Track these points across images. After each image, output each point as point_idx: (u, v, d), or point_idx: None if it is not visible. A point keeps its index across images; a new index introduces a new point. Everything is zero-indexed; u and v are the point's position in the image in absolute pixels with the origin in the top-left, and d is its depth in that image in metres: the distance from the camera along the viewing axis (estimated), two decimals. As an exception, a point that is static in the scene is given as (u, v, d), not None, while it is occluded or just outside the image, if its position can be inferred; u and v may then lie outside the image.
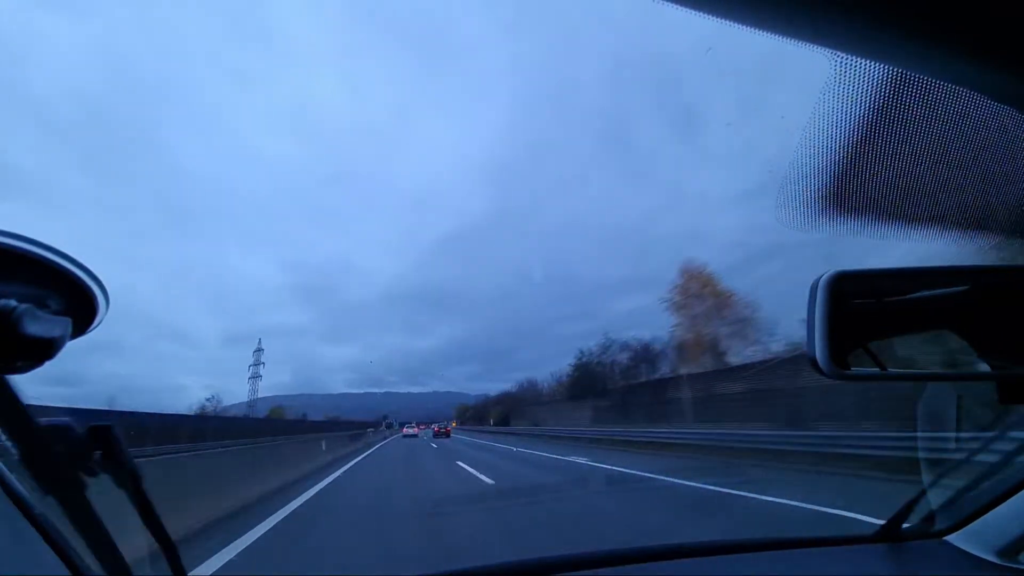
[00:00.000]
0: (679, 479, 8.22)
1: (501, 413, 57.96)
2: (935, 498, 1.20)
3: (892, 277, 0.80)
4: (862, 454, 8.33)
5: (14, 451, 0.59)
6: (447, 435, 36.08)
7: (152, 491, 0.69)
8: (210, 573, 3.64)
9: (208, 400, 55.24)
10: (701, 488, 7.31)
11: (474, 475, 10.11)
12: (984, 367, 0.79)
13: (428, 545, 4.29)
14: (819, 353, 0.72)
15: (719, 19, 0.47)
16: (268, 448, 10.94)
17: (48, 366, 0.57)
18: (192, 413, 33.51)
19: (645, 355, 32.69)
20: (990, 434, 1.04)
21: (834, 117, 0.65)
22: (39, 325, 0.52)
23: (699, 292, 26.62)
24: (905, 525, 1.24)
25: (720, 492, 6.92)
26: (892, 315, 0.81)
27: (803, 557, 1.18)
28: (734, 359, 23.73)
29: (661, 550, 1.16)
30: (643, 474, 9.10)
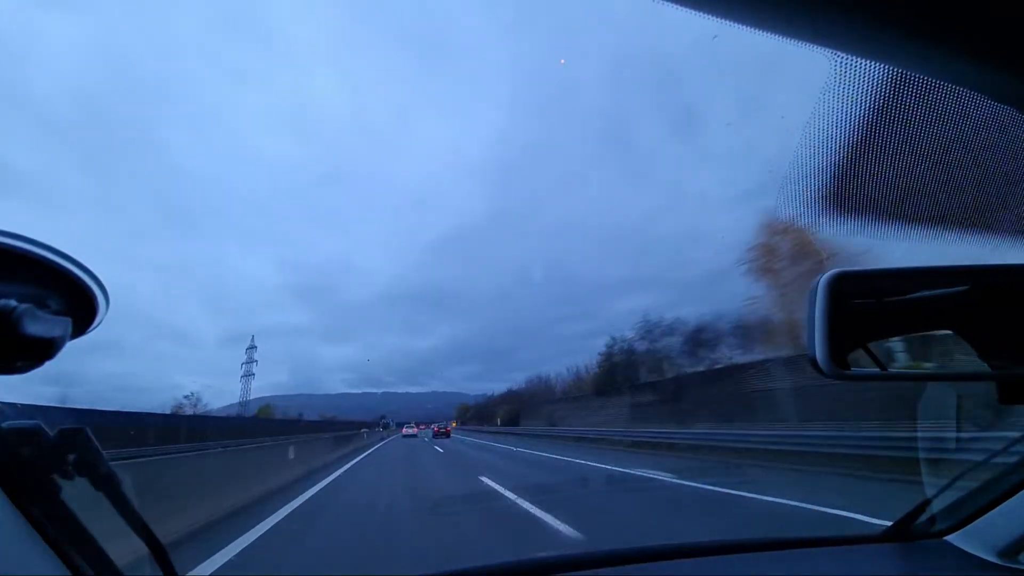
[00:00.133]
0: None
1: (510, 412, 52.98)
2: (935, 498, 1.20)
3: (892, 277, 0.80)
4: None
5: None
6: (447, 435, 35.96)
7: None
8: (208, 573, 3.63)
9: (186, 398, 51.39)
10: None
11: (533, 515, 5.32)
12: (984, 367, 0.79)
13: None
14: (819, 353, 0.72)
15: (719, 19, 0.47)
16: (208, 457, 7.33)
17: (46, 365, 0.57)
18: (164, 412, 28.09)
19: (702, 338, 25.16)
20: (990, 434, 1.04)
21: (834, 117, 0.65)
22: (39, 325, 0.52)
23: (793, 252, 18.36)
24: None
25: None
26: (892, 315, 0.81)
27: (802, 557, 1.18)
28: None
29: (661, 550, 1.16)
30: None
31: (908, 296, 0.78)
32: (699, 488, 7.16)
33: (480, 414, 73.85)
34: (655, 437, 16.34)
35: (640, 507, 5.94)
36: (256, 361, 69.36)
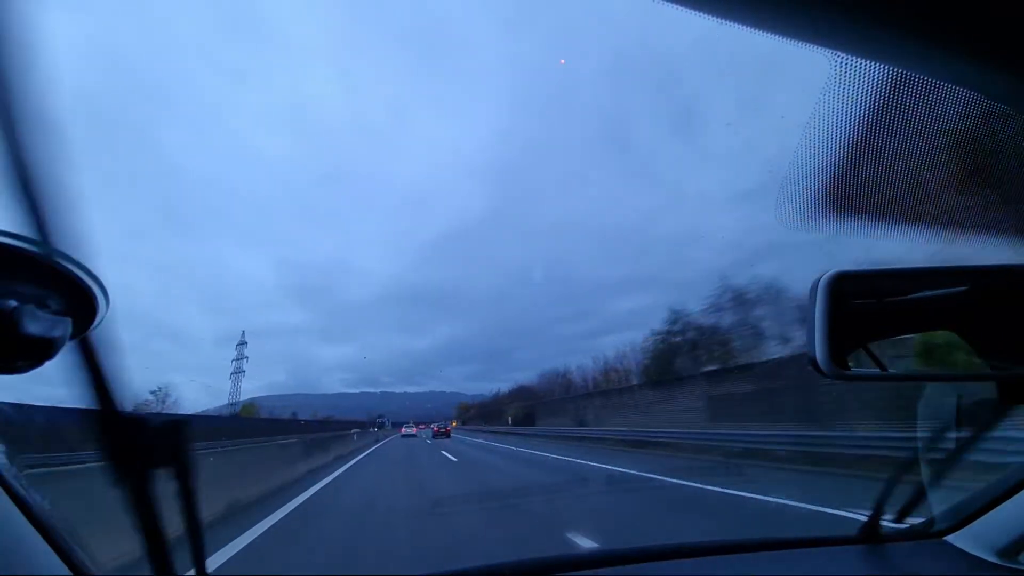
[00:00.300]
0: None
1: (523, 410, 45.40)
2: (935, 498, 1.20)
3: (892, 277, 0.80)
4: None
5: (100, 442, 0.61)
6: (447, 435, 35.92)
7: None
8: (209, 572, 3.62)
9: (153, 393, 43.39)
10: None
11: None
12: (984, 367, 0.79)
13: None
14: (819, 353, 0.72)
15: (719, 19, 0.47)
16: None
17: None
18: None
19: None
20: (990, 434, 1.05)
21: (834, 117, 0.65)
22: (39, 325, 0.52)
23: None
24: (905, 525, 1.24)
25: None
26: (892, 315, 0.81)
27: (802, 557, 1.18)
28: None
29: (661, 550, 1.16)
30: None
31: (908, 296, 0.78)
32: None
33: (485, 413, 67.48)
34: (799, 443, 9.47)
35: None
36: (246, 358, 67.71)
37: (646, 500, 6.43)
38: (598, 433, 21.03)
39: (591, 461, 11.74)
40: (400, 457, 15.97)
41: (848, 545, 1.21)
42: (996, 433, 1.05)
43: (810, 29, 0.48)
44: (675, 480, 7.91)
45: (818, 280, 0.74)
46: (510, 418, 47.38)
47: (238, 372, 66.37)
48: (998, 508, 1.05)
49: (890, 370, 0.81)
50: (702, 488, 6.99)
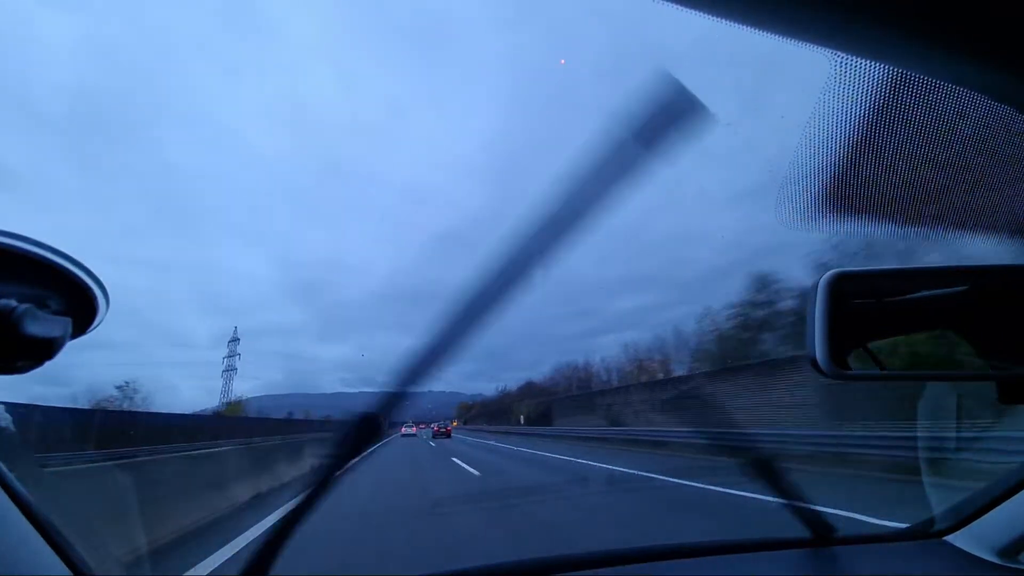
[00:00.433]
0: None
1: (537, 407, 40.46)
2: (935, 498, 1.20)
3: (892, 277, 0.80)
4: None
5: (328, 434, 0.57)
6: (447, 435, 35.93)
7: None
8: (206, 573, 3.63)
9: (119, 388, 37.35)
10: None
11: None
12: (984, 367, 0.79)
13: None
14: (819, 353, 0.72)
15: (719, 19, 0.47)
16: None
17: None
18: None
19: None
20: (990, 434, 1.04)
21: (834, 117, 0.65)
22: (39, 325, 0.52)
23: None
24: (905, 525, 1.24)
25: None
26: (892, 315, 0.81)
27: (801, 557, 1.18)
28: None
29: (661, 550, 1.16)
30: None
31: (908, 296, 0.78)
32: None
33: (490, 411, 62.93)
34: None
35: None
36: (239, 355, 64.93)
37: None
38: (647, 434, 16.05)
39: (720, 486, 6.94)
40: (398, 469, 11.94)
41: (848, 545, 1.21)
42: (996, 433, 1.04)
43: (810, 29, 0.48)
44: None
45: (818, 280, 0.74)
46: (522, 417, 42.14)
47: (230, 370, 63.90)
48: (998, 508, 1.05)
49: (889, 369, 0.81)
50: None
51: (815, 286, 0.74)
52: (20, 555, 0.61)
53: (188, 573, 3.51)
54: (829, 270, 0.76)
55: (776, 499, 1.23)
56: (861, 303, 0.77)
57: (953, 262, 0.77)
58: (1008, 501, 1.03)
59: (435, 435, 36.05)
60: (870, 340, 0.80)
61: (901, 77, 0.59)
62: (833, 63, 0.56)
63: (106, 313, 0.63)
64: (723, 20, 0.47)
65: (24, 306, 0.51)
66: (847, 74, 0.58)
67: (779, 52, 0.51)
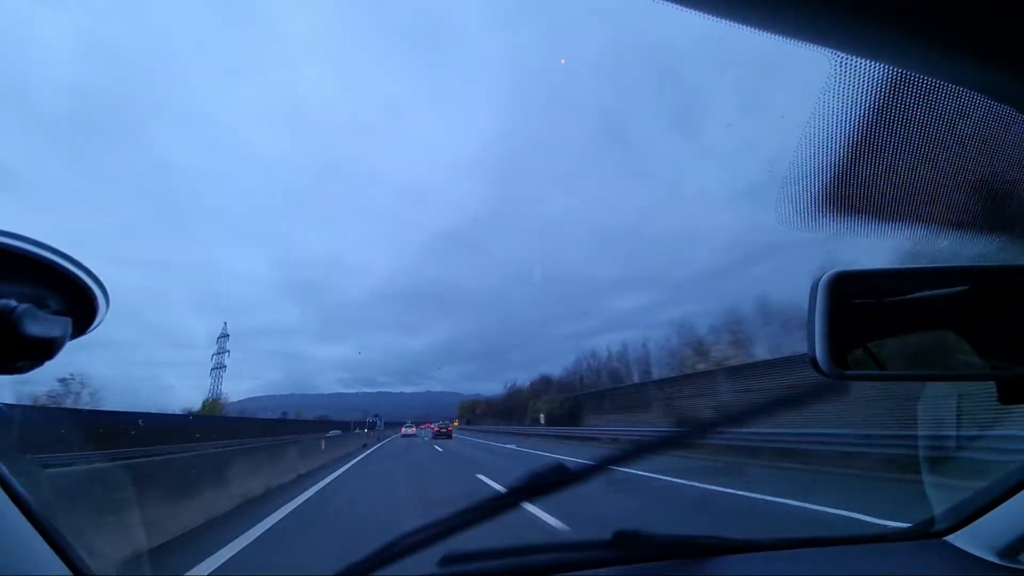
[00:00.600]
0: None
1: (562, 406, 33.12)
2: (935, 498, 1.20)
3: (892, 277, 0.80)
4: None
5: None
6: (448, 436, 35.83)
7: None
8: (207, 573, 3.64)
9: (62, 382, 28.65)
10: None
11: None
12: (984, 367, 0.79)
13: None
14: (819, 353, 0.72)
15: (719, 19, 0.47)
16: None
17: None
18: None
19: None
20: (990, 434, 1.04)
21: (834, 117, 0.65)
22: (39, 325, 0.52)
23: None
24: (905, 525, 1.24)
25: None
26: (892, 315, 0.81)
27: (801, 557, 1.18)
28: None
29: (659, 550, 1.16)
30: None
31: (908, 296, 0.78)
32: None
33: (498, 410, 55.37)
34: None
35: None
36: (228, 351, 61.35)
37: None
38: (764, 439, 10.86)
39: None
40: (390, 491, 8.14)
41: (848, 545, 1.21)
42: (996, 433, 1.05)
43: (810, 29, 0.48)
44: None
45: (818, 280, 0.74)
46: (542, 416, 34.84)
47: (219, 367, 60.07)
48: (998, 508, 1.05)
49: (889, 370, 0.81)
50: None
51: (815, 286, 0.74)
52: (20, 555, 0.61)
53: (188, 573, 3.52)
54: (829, 270, 0.76)
55: None
56: (861, 303, 0.77)
57: (953, 262, 0.77)
58: (1008, 501, 1.03)
59: (435, 436, 35.97)
60: (870, 340, 0.80)
61: (901, 77, 0.59)
62: (833, 63, 0.56)
63: (106, 313, 0.63)
64: (723, 20, 0.47)
65: (24, 306, 0.51)
66: (847, 74, 0.58)
67: (779, 52, 0.51)
